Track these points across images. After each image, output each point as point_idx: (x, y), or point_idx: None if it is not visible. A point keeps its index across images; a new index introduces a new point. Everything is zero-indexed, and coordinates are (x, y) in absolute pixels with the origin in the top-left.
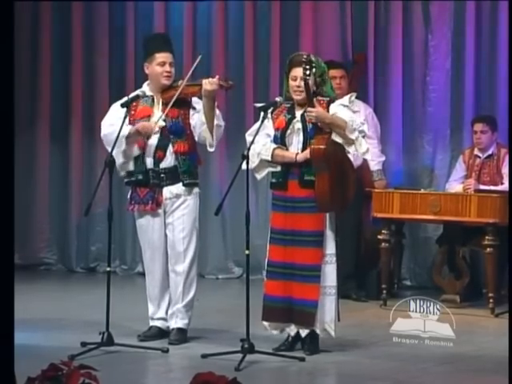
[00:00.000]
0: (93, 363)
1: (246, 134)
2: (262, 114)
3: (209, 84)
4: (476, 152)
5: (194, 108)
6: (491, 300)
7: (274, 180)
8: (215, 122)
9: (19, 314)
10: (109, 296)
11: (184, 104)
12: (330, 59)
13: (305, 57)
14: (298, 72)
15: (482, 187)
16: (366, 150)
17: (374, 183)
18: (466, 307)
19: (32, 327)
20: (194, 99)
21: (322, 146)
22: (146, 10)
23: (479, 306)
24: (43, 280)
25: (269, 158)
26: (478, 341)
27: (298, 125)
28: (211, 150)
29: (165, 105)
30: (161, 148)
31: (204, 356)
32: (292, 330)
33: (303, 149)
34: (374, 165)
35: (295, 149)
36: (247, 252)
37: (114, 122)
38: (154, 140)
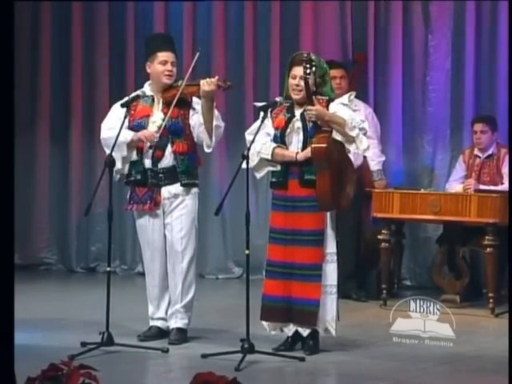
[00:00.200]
0: (93, 363)
1: (246, 133)
2: (261, 113)
3: (207, 84)
4: (476, 152)
5: (194, 108)
6: (491, 300)
7: (274, 179)
8: (214, 122)
9: (19, 314)
10: (109, 296)
11: (184, 104)
12: (330, 59)
13: (305, 55)
14: (298, 71)
15: (482, 187)
16: (367, 147)
17: (374, 183)
18: (465, 307)
19: (32, 327)
20: (195, 100)
21: (323, 145)
22: (146, 10)
23: (479, 305)
24: (43, 280)
25: (268, 157)
26: (478, 341)
27: (297, 124)
28: (208, 150)
29: (165, 104)
30: (159, 148)
31: (204, 356)
32: (290, 329)
33: (303, 148)
34: (374, 165)
35: (295, 148)
36: (247, 252)
37: (113, 125)
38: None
